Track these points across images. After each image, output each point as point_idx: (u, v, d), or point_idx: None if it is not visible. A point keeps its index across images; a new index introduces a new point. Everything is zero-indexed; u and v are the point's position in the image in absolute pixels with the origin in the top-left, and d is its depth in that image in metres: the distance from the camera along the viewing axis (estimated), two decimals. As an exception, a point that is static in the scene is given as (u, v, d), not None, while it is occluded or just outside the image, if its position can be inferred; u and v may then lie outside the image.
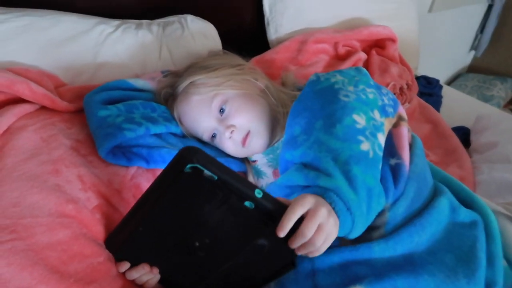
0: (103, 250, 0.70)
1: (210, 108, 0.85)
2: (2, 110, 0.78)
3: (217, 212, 0.55)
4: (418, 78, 1.52)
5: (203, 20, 1.15)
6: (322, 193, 0.58)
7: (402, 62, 1.44)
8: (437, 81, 1.52)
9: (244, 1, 1.32)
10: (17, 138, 0.75)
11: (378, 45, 1.44)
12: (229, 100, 0.86)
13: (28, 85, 0.81)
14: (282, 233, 0.53)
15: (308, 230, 0.54)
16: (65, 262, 0.66)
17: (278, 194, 0.64)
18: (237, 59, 0.98)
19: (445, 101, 1.51)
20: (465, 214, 0.73)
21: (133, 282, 0.71)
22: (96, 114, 0.81)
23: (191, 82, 0.88)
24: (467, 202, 0.77)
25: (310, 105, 0.72)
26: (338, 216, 0.57)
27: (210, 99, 0.86)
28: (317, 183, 0.59)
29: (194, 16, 1.14)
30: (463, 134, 1.29)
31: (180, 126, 0.90)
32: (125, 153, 0.80)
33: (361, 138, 0.64)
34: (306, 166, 0.64)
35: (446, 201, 0.72)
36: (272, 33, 1.38)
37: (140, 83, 0.93)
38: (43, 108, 0.84)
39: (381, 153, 0.66)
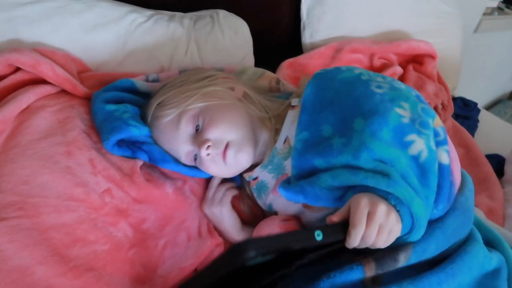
0: (110, 238, 0.70)
1: (180, 128, 0.77)
2: (24, 89, 0.80)
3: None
4: (455, 99, 1.47)
5: (236, 16, 1.14)
6: (386, 197, 0.58)
7: (440, 81, 1.40)
8: (475, 104, 1.47)
9: (282, 1, 1.31)
10: (34, 117, 0.76)
11: (416, 61, 1.40)
12: (200, 114, 0.77)
13: (52, 67, 0.82)
14: (352, 246, 0.56)
15: (369, 237, 0.56)
16: (67, 246, 0.66)
17: (320, 200, 0.63)
18: (207, 71, 0.88)
19: (482, 126, 1.46)
20: (492, 260, 0.68)
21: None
22: (103, 108, 0.81)
23: (157, 104, 0.80)
24: (493, 244, 0.73)
25: (336, 98, 0.69)
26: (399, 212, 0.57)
27: (177, 119, 0.77)
28: (386, 189, 0.57)
29: (226, 12, 1.14)
30: (498, 162, 1.24)
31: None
32: (129, 146, 0.81)
33: (412, 137, 0.62)
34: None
35: (480, 249, 0.67)
36: (307, 38, 1.37)
37: (143, 86, 0.91)
38: (64, 91, 0.85)
39: (435, 148, 0.63)
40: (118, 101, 0.84)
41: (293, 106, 0.80)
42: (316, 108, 0.69)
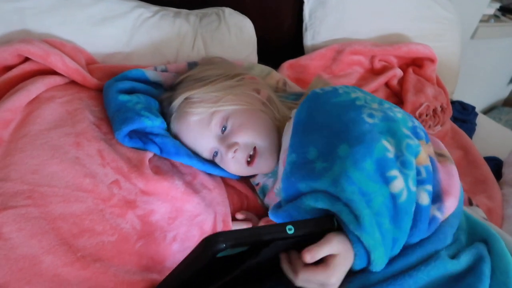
0: (118, 230, 0.70)
1: (210, 128, 0.79)
2: (33, 79, 0.80)
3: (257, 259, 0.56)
4: (453, 103, 1.48)
5: (241, 14, 1.15)
6: (353, 240, 0.57)
7: (439, 84, 1.41)
8: (473, 108, 1.49)
9: (285, 3, 1.32)
10: (43, 107, 0.76)
11: (415, 64, 1.42)
12: (230, 116, 0.79)
13: (62, 58, 0.82)
14: (308, 260, 0.55)
15: (327, 277, 0.56)
16: (75, 236, 0.66)
17: (295, 217, 0.63)
18: (235, 68, 0.90)
19: (479, 130, 1.47)
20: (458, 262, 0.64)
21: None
22: (116, 98, 0.80)
23: (185, 99, 0.81)
24: (482, 236, 0.70)
25: (327, 122, 0.67)
26: (356, 265, 0.58)
27: (208, 118, 0.79)
28: (351, 230, 0.57)
29: (232, 10, 1.15)
30: (495, 165, 1.25)
31: (176, 139, 0.84)
32: (140, 138, 0.80)
33: (393, 173, 0.59)
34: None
35: (443, 262, 0.62)
36: (309, 39, 1.38)
37: (154, 76, 0.91)
38: (72, 82, 0.85)
39: (415, 189, 0.61)
40: (130, 91, 0.84)
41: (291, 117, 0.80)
42: (306, 131, 0.68)
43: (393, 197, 0.59)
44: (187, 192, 0.80)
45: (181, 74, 0.91)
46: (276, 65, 1.27)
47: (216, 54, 1.07)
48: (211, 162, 0.84)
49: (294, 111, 0.75)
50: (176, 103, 0.82)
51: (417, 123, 0.71)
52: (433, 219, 0.62)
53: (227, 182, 0.89)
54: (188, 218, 0.79)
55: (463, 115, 1.46)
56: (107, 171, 0.73)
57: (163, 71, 0.95)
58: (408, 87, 1.33)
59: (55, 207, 0.66)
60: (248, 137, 0.78)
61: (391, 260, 0.61)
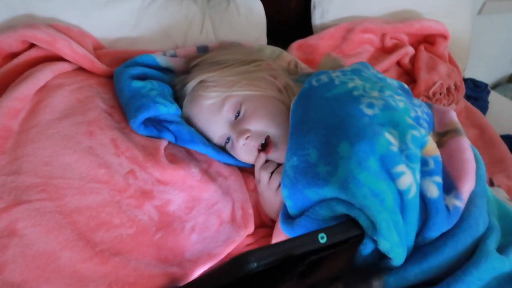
0: (135, 222, 0.67)
1: (222, 113, 0.75)
2: (40, 66, 0.76)
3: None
4: (465, 80, 1.43)
5: (251, -6, 1.10)
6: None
7: (451, 62, 1.36)
8: (486, 85, 1.44)
9: (293, -18, 1.26)
10: (53, 96, 0.72)
11: (427, 41, 1.36)
12: (243, 102, 0.74)
13: (69, 44, 0.78)
14: None
15: None
16: (93, 229, 0.63)
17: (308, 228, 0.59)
18: (252, 53, 0.86)
19: (491, 107, 1.43)
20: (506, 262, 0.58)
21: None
22: (130, 84, 0.76)
23: (200, 82, 0.77)
24: None
25: (322, 118, 0.62)
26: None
27: (221, 103, 0.75)
28: (372, 236, 0.53)
29: (241, -11, 1.09)
30: (511, 143, 1.21)
31: (188, 124, 0.80)
32: (155, 126, 0.77)
33: (400, 168, 0.55)
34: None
35: (491, 260, 0.55)
36: (317, 18, 1.32)
37: (165, 61, 0.86)
38: (80, 68, 0.81)
39: (419, 181, 0.58)
40: (143, 77, 0.80)
41: None
42: (303, 130, 0.63)
43: (401, 194, 0.56)
44: (204, 180, 0.76)
45: (192, 59, 0.87)
46: (284, 46, 1.22)
47: (225, 36, 1.02)
48: (226, 151, 0.80)
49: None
50: (190, 85, 0.78)
51: (420, 112, 0.66)
52: (454, 208, 0.58)
53: (242, 168, 0.85)
54: (205, 206, 0.76)
55: (475, 92, 1.42)
56: (121, 161, 0.70)
57: (172, 56, 0.91)
58: (421, 65, 1.28)
59: (70, 200, 0.63)
60: (261, 125, 0.74)
61: (423, 254, 0.57)
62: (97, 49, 0.88)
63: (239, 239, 0.75)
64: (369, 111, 0.60)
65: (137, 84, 0.76)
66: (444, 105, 1.23)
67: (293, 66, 1.01)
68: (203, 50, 0.94)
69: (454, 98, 1.26)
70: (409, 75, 1.32)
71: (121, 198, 0.67)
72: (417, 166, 0.58)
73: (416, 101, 0.72)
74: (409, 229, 0.56)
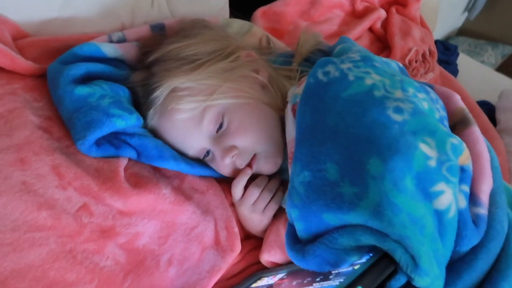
0: (97, 272, 0.50)
1: (201, 127, 0.61)
2: None
3: None
4: (435, 43, 1.34)
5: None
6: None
7: (423, 25, 1.27)
8: (456, 47, 1.36)
9: None
10: (-39, 112, 0.51)
11: (398, 3, 1.24)
12: (226, 112, 0.62)
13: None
14: None
15: None
16: (40, 296, 0.46)
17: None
18: (224, 38, 0.70)
19: (460, 71, 1.36)
20: None
21: None
22: (72, 92, 0.57)
23: (172, 90, 0.61)
24: None
25: (340, 125, 0.52)
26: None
27: (200, 115, 0.61)
28: (410, 273, 0.44)
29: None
30: (487, 111, 1.14)
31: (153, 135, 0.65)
32: (110, 140, 0.59)
33: (440, 187, 0.48)
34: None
35: None
36: (281, -20, 1.14)
37: (113, 50, 0.67)
38: (-2, 68, 0.60)
39: (466, 202, 0.51)
40: (87, 78, 0.61)
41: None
42: (316, 139, 0.53)
43: (439, 214, 0.48)
44: (178, 201, 0.61)
45: (148, 45, 0.69)
46: (246, 16, 1.05)
47: (183, 9, 0.83)
48: (198, 161, 0.66)
49: (291, 92, 0.61)
50: (159, 94, 0.61)
51: (442, 111, 0.59)
52: (478, 218, 0.51)
53: (219, 178, 0.70)
54: (183, 233, 0.61)
55: (446, 56, 1.33)
56: (69, 194, 0.52)
57: (120, 40, 0.71)
58: (394, 30, 1.17)
59: (2, 263, 0.45)
60: (248, 141, 0.62)
61: (457, 273, 0.50)
62: (18, 38, 0.66)
63: (226, 265, 0.62)
64: (398, 117, 0.51)
65: (82, 90, 0.57)
66: (421, 74, 1.13)
67: (265, 43, 0.85)
68: (159, 29, 0.75)
69: (430, 65, 1.17)
70: (381, 41, 1.20)
71: (74, 245, 0.50)
72: (457, 180, 0.50)
73: (432, 94, 0.61)
74: (447, 252, 0.50)
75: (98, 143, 0.57)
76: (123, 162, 0.58)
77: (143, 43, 0.70)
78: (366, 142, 0.49)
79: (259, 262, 0.65)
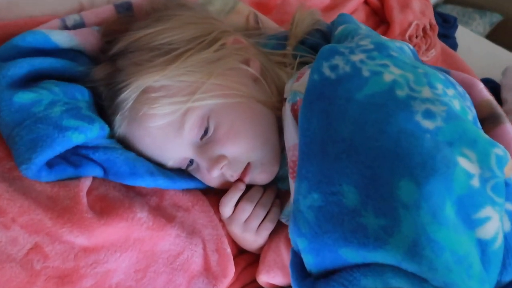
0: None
1: (182, 134, 0.50)
2: None
3: None
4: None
5: None
6: None
7: (420, -6, 1.14)
8: (455, 19, 1.24)
9: None
10: None
11: (395, -29, 1.11)
12: (212, 115, 0.50)
13: None
14: None
15: None
16: None
17: None
18: (205, 19, 0.57)
19: (459, 45, 1.25)
20: None
21: None
22: (11, 100, 0.44)
23: (143, 90, 0.49)
24: None
25: (358, 134, 0.42)
26: None
27: (179, 120, 0.49)
28: None
29: None
30: (492, 89, 1.03)
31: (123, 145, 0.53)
32: (68, 158, 0.47)
33: (486, 212, 0.39)
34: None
35: None
36: None
37: (66, 39, 0.53)
38: None
39: (510, 223, 0.43)
40: (32, 78, 0.48)
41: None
42: (327, 154, 0.42)
43: (482, 245, 0.40)
44: (158, 224, 0.50)
45: (112, 31, 0.56)
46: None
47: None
48: (180, 171, 0.55)
49: (289, 88, 0.50)
50: (127, 97, 0.48)
51: (473, 109, 0.49)
52: None
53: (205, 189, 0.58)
54: (165, 262, 0.51)
55: (445, 29, 1.21)
56: (15, 235, 0.40)
57: (77, 25, 0.57)
58: (392, 2, 1.06)
59: None
60: (240, 149, 0.51)
61: None
62: None
63: (219, 293, 0.51)
64: (429, 124, 0.41)
65: (24, 97, 0.45)
66: (422, 52, 1.02)
67: (254, 22, 0.72)
68: (125, 9, 0.61)
69: (431, 40, 1.06)
70: (377, 15, 1.09)
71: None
72: (503, 200, 0.41)
73: (458, 86, 0.51)
74: (491, 284, 0.42)
75: (51, 163, 0.44)
76: (86, 184, 0.45)
77: (105, 29, 0.56)
78: (394, 158, 0.40)
79: (255, 281, 0.56)
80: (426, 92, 0.43)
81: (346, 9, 0.99)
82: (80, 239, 0.43)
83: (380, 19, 1.07)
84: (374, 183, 0.39)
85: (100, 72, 0.51)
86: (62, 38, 0.52)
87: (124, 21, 0.57)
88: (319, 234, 0.42)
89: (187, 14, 0.55)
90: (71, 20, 0.57)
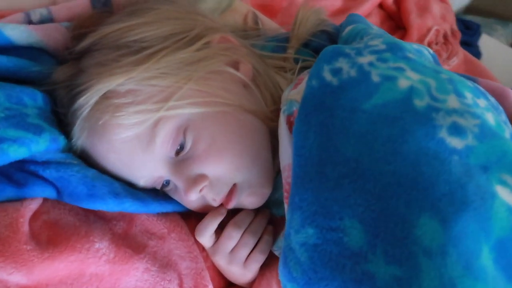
0: None
1: (152, 149, 0.41)
2: None
3: None
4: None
5: None
6: None
7: (442, -2, 1.06)
8: (478, 26, 1.15)
9: None
10: None
11: (413, -27, 1.03)
12: (190, 126, 0.42)
13: None
14: None
15: None
16: None
17: None
18: (190, 14, 0.49)
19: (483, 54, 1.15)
20: None
21: None
22: None
23: (104, 94, 0.41)
24: None
25: (365, 155, 0.34)
26: None
27: (149, 132, 0.41)
28: None
29: None
30: (520, 101, 0.94)
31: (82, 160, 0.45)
32: (11, 175, 0.39)
33: None
34: None
35: None
36: None
37: (22, 34, 0.45)
38: None
39: None
40: None
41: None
42: (326, 178, 0.34)
43: None
44: (121, 256, 0.41)
45: (80, 23, 0.48)
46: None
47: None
48: (155, 192, 0.46)
49: (286, 96, 0.42)
50: (85, 102, 0.40)
51: (510, 127, 0.40)
52: None
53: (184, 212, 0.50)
54: (130, 302, 0.41)
55: (467, 36, 1.12)
56: None
57: (44, 20, 0.50)
58: (409, 6, 0.98)
59: None
60: (223, 168, 0.43)
61: None
62: None
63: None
64: (457, 143, 0.32)
65: None
66: (443, 60, 0.93)
67: (252, 23, 0.63)
68: (103, 4, 0.54)
69: (452, 47, 0.97)
70: (393, 19, 1.01)
71: None
72: None
73: (481, 87, 0.42)
74: None
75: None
76: (30, 208, 0.37)
77: (74, 25, 0.48)
78: (411, 187, 0.31)
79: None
80: (452, 102, 0.34)
81: (359, 13, 0.90)
82: (15, 277, 0.34)
83: (396, 24, 0.99)
84: (385, 218, 0.31)
85: (61, 73, 0.44)
86: (17, 33, 0.44)
87: (98, 16, 0.49)
88: (313, 280, 0.33)
89: (166, 8, 0.46)
90: (36, 14, 0.49)
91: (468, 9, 2.51)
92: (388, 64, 0.36)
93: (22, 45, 0.45)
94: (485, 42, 1.18)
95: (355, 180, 0.32)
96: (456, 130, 0.32)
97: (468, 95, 0.36)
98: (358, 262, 0.31)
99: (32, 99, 0.41)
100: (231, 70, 0.45)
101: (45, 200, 0.40)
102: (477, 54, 1.12)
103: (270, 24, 0.68)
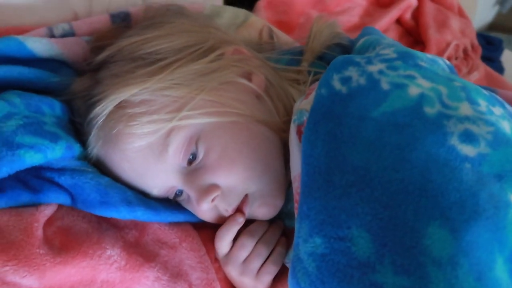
0: None
1: (165, 159, 0.42)
2: None
3: None
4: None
5: None
6: None
7: (461, 14, 1.06)
8: (500, 41, 1.13)
9: None
10: None
11: (432, -12, 1.03)
12: (202, 137, 0.43)
13: None
14: None
15: None
16: None
17: None
18: (204, 28, 0.50)
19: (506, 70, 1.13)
20: None
21: None
22: None
23: (119, 104, 0.42)
24: None
25: (373, 163, 0.33)
26: None
27: (162, 142, 0.42)
28: None
29: None
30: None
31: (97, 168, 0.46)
32: (27, 181, 0.40)
33: None
34: None
35: None
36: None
37: (44, 47, 0.47)
38: None
39: None
40: None
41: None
42: (334, 187, 0.34)
43: None
44: (133, 264, 0.41)
45: (100, 37, 0.50)
46: (247, 8, 0.86)
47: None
48: (168, 201, 0.47)
49: (297, 106, 0.42)
50: (100, 111, 0.42)
51: None
52: None
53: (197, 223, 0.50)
54: (139, 311, 0.41)
55: (489, 51, 1.10)
56: None
57: (66, 34, 0.52)
58: (428, 21, 0.97)
59: None
60: (235, 178, 0.43)
61: None
62: None
63: None
64: (469, 150, 0.32)
65: None
66: (463, 75, 0.92)
67: (267, 37, 0.64)
68: (121, 19, 0.56)
69: (473, 62, 0.95)
70: (411, 35, 1.01)
71: None
72: None
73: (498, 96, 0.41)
74: None
75: (2, 186, 0.37)
76: (44, 213, 0.38)
77: (94, 38, 0.50)
78: (420, 195, 0.31)
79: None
80: (464, 109, 0.33)
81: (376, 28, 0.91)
82: (28, 280, 0.35)
83: (415, 39, 0.98)
84: (393, 227, 0.30)
85: (79, 85, 0.45)
86: (39, 46, 0.46)
87: (116, 30, 0.51)
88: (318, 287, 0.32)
89: (181, 22, 0.48)
90: (59, 29, 0.51)
91: (491, 27, 2.47)
92: (399, 72, 0.36)
93: (44, 57, 0.47)
94: (508, 57, 1.15)
95: (363, 188, 0.32)
96: (468, 137, 0.32)
97: (483, 103, 0.35)
98: (366, 272, 0.30)
99: (50, 108, 0.43)
100: (244, 81, 0.45)
101: (60, 206, 0.41)
102: (500, 69, 1.10)
103: (285, 38, 0.69)
